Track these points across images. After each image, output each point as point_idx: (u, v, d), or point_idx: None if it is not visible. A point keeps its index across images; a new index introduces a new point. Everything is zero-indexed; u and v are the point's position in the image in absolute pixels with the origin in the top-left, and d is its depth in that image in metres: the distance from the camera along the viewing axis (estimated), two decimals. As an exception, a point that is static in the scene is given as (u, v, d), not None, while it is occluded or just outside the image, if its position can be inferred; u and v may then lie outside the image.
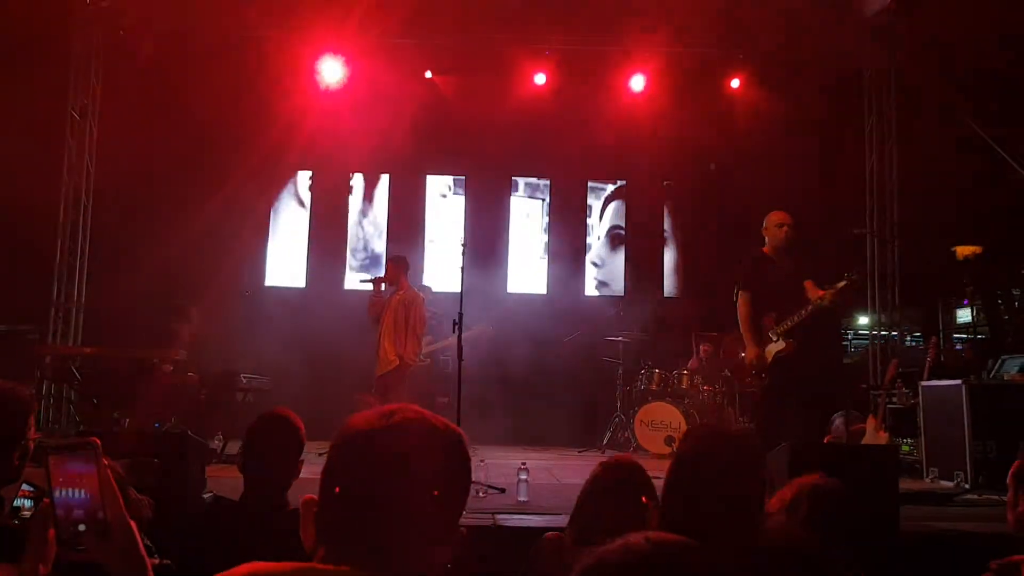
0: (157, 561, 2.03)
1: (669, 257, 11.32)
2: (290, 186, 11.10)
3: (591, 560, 1.12)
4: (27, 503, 2.59)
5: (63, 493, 1.32)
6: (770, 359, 5.69)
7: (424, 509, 1.23)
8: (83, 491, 1.32)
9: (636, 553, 1.08)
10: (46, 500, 1.32)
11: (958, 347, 8.93)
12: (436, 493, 1.23)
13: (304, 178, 11.11)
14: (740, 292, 5.87)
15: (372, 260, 11.06)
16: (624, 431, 9.13)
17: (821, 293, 5.56)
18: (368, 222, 11.15)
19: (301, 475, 2.71)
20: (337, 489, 1.24)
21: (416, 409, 1.30)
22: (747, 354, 5.79)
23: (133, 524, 1.39)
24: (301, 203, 11.12)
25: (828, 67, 10.17)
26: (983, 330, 8.29)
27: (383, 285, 7.70)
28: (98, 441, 1.34)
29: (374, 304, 7.60)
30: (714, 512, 1.93)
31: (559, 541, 2.68)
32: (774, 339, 5.69)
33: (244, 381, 7.56)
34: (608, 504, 2.61)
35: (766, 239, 5.90)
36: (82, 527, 1.31)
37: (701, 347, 9.63)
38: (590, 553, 1.14)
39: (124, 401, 7.26)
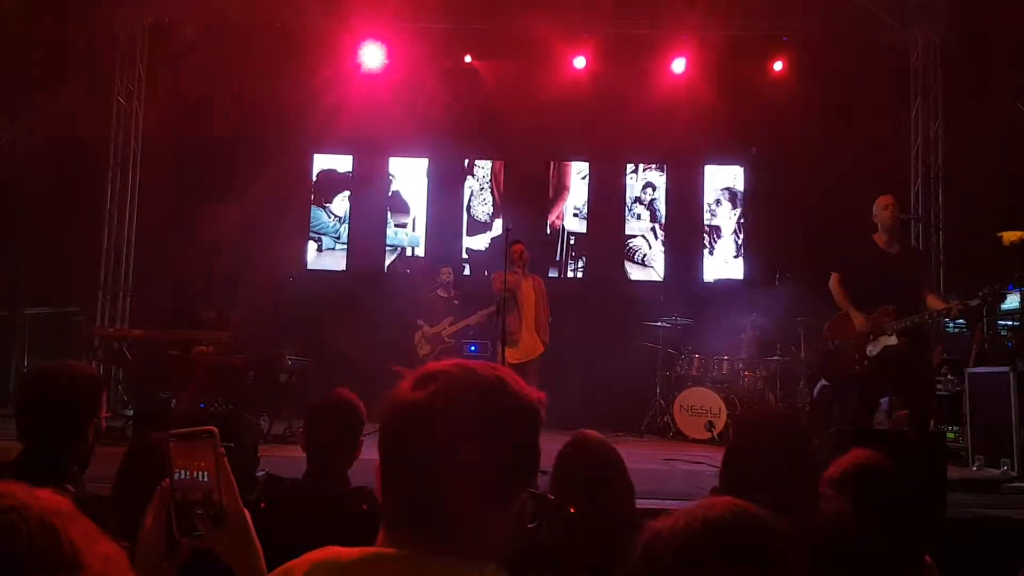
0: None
1: (710, 242, 11.23)
2: (331, 170, 11.18)
3: (663, 528, 1.09)
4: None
5: (182, 476, 1.36)
6: (878, 351, 5.72)
7: (469, 477, 1.13)
8: (201, 476, 1.36)
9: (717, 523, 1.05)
10: (166, 481, 1.37)
11: (1004, 333, 8.77)
12: (479, 458, 1.14)
13: (345, 162, 11.17)
14: (832, 273, 6.04)
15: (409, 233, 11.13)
16: (663, 416, 9.12)
17: (944, 305, 5.62)
18: (409, 206, 11.19)
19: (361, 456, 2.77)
20: (382, 467, 1.19)
21: (463, 366, 1.21)
22: (856, 323, 5.81)
23: (247, 512, 1.41)
24: (342, 187, 11.19)
25: (873, 48, 9.99)
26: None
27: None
28: (216, 430, 1.37)
29: (509, 281, 7.17)
30: (767, 494, 1.93)
31: None
32: (888, 333, 5.69)
33: (289, 363, 7.69)
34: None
35: (877, 225, 5.95)
36: (199, 512, 1.35)
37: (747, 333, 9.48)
38: (663, 520, 1.11)
39: (172, 382, 7.41)
